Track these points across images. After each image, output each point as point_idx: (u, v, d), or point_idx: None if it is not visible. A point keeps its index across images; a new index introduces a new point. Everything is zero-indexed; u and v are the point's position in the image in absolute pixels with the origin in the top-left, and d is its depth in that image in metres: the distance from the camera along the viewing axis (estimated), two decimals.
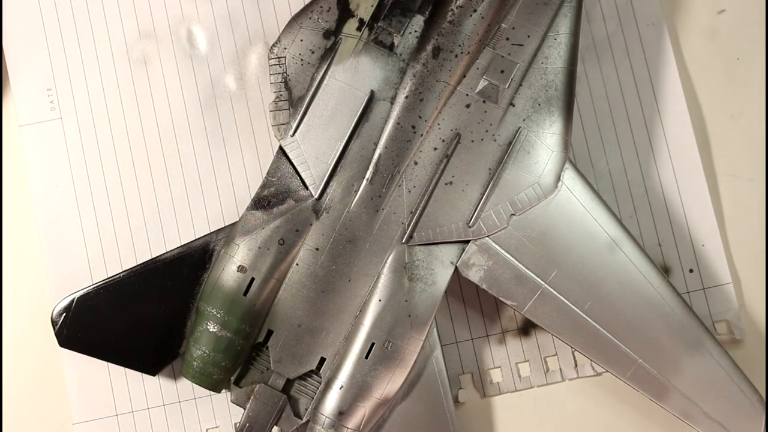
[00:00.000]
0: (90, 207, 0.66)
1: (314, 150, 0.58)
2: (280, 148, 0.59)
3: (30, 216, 0.66)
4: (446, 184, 0.57)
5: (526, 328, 0.65)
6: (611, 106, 0.66)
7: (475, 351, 0.65)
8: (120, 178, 0.66)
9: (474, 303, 0.65)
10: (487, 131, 0.57)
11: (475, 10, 0.57)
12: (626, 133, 0.66)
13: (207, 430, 0.65)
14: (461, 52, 0.57)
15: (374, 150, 0.58)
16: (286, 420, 0.59)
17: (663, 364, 0.57)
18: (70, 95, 0.67)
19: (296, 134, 0.58)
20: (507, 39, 0.58)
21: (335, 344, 0.58)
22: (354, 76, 0.58)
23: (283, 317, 0.58)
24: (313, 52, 0.59)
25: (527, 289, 0.57)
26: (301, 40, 0.59)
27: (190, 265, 0.60)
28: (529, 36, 0.58)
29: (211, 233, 0.60)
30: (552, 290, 0.57)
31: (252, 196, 0.59)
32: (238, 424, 0.59)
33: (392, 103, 0.58)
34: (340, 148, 0.58)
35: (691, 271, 0.65)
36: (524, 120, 0.57)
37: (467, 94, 0.57)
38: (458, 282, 0.64)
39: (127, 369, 0.63)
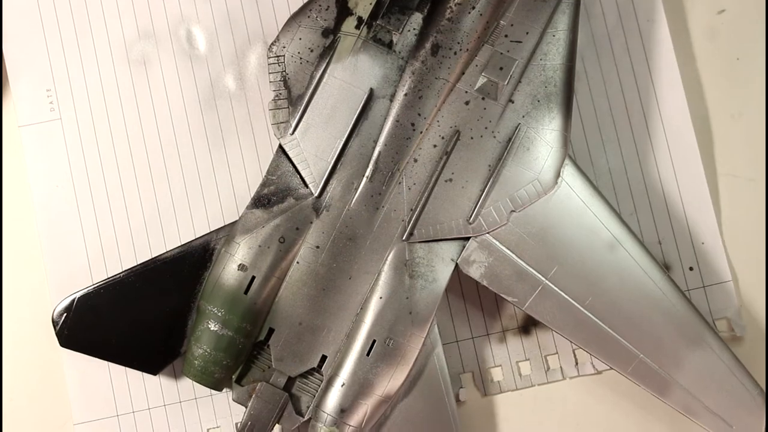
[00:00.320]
0: (90, 207, 0.66)
1: (314, 148, 0.58)
2: (280, 146, 0.59)
3: (30, 216, 0.66)
4: (446, 181, 0.57)
5: (527, 326, 0.65)
6: (611, 104, 0.66)
7: (475, 350, 0.65)
8: (120, 179, 0.66)
9: (474, 302, 0.65)
10: (486, 128, 0.57)
11: (473, 8, 0.57)
12: (626, 131, 0.66)
13: (208, 430, 0.65)
14: (460, 50, 0.57)
15: (374, 148, 0.58)
16: (288, 418, 0.59)
17: (664, 359, 0.57)
18: (69, 96, 0.67)
19: (296, 132, 0.58)
20: (506, 36, 0.58)
21: (336, 342, 0.58)
22: (353, 74, 0.58)
23: (284, 315, 0.58)
24: (312, 51, 0.59)
25: (528, 286, 0.57)
26: (300, 39, 0.59)
27: (191, 264, 0.60)
28: (527, 33, 0.58)
29: (211, 232, 0.60)
30: (553, 286, 0.57)
31: (252, 195, 0.59)
32: (239, 423, 0.59)
33: (391, 101, 0.58)
34: (340, 146, 0.58)
35: (691, 269, 0.65)
36: (523, 116, 0.57)
37: (466, 91, 0.58)
38: (458, 281, 0.64)
39: (128, 369, 0.63)
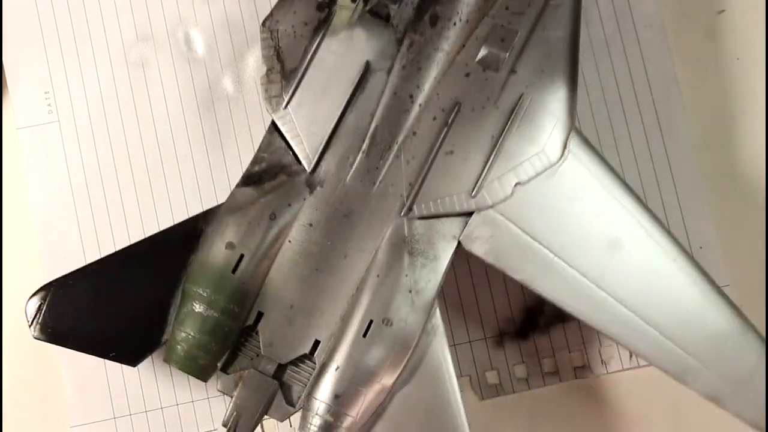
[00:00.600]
0: (87, 209, 0.66)
1: (307, 122, 0.55)
2: (272, 122, 0.56)
3: (28, 218, 0.66)
4: (447, 153, 0.55)
5: (524, 330, 0.65)
6: (609, 108, 0.67)
7: (472, 354, 0.65)
8: (117, 181, 0.66)
9: (471, 306, 0.65)
10: (488, 98, 0.55)
11: None
12: (624, 136, 0.66)
13: None
14: (459, 20, 0.56)
15: (370, 122, 0.55)
16: (278, 408, 0.54)
17: (686, 339, 0.53)
18: (67, 98, 0.67)
19: (289, 107, 0.56)
20: (507, 8, 0.56)
21: (330, 325, 0.54)
22: (349, 47, 0.56)
23: (274, 297, 0.55)
24: (306, 24, 0.57)
25: (536, 262, 0.54)
26: (294, 13, 0.57)
27: (176, 247, 0.56)
28: (529, 4, 0.56)
29: (199, 214, 0.57)
30: (562, 262, 0.53)
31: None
32: (225, 414, 0.54)
33: (389, 74, 0.56)
34: (335, 120, 0.55)
35: None
36: (527, 86, 0.55)
37: (467, 63, 0.55)
38: (455, 285, 0.64)
39: (125, 371, 0.63)
